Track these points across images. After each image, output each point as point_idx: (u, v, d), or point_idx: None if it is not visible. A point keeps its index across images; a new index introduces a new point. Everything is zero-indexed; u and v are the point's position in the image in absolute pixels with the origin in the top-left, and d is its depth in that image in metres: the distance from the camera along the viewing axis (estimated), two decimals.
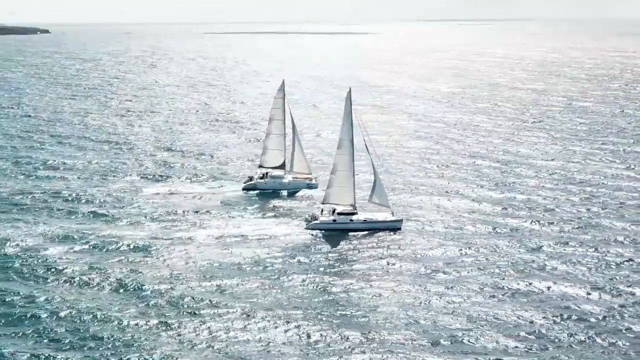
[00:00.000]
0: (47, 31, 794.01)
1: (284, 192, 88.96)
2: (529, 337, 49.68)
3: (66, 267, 62.16)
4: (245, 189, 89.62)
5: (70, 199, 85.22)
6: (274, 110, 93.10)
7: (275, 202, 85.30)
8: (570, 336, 49.80)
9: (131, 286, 58.52)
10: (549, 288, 58.13)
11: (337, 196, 76.49)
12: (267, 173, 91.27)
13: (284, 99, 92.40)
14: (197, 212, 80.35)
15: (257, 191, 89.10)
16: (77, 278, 59.99)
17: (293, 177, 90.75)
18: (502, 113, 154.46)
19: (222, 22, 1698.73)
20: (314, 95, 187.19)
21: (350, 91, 78.42)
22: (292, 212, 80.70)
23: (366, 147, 77.43)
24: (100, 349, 47.86)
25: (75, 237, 70.60)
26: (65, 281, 59.62)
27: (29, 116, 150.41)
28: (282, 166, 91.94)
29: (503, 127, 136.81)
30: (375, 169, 77.49)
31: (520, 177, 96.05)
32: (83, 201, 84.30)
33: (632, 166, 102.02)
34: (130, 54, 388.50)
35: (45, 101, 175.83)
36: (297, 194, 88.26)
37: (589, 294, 56.98)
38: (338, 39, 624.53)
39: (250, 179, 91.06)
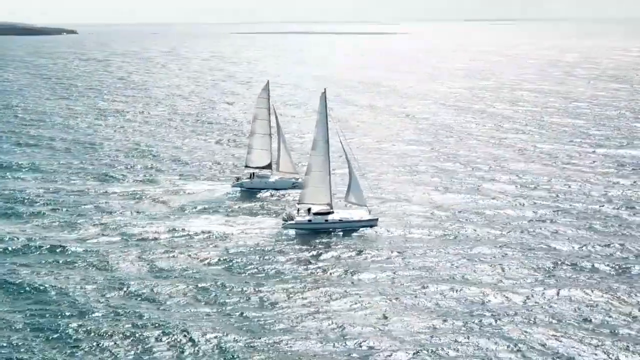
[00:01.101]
0: (74, 32, 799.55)
1: (270, 192, 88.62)
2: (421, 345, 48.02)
3: None
4: (233, 187, 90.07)
5: (23, 200, 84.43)
6: (257, 109, 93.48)
7: (258, 201, 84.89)
8: (455, 341, 48.26)
9: (37, 289, 57.26)
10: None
11: (312, 196, 76.72)
12: (254, 173, 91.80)
13: (268, 99, 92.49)
14: (171, 211, 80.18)
15: (244, 190, 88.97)
16: None
17: (279, 177, 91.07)
18: (495, 115, 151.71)
19: (251, 22, 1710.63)
20: (313, 96, 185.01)
21: (325, 92, 78.25)
22: (271, 212, 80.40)
23: (342, 147, 78.24)
24: None
25: (8, 238, 69.49)
26: None
27: (16, 116, 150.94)
28: (268, 166, 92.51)
29: (492, 129, 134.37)
30: (351, 169, 77.18)
31: (493, 181, 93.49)
32: (36, 202, 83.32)
33: (607, 172, 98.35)
34: (146, 54, 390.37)
35: (37, 102, 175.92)
36: (282, 194, 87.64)
37: (502, 299, 55.37)
38: (360, 39, 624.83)
39: (238, 179, 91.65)
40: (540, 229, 72.75)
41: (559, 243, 68.16)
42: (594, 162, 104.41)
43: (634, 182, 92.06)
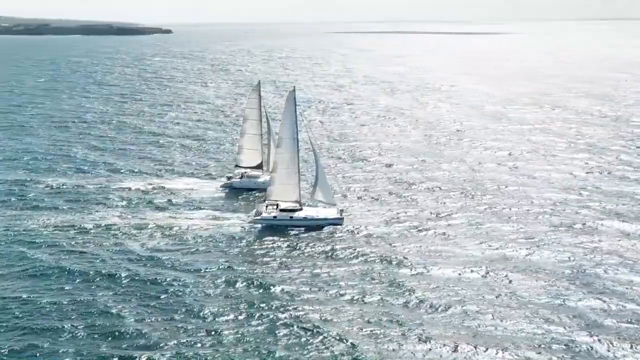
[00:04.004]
0: (169, 31, 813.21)
1: (258, 191, 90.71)
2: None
3: None
4: (223, 187, 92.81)
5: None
6: (247, 110, 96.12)
7: (242, 199, 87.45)
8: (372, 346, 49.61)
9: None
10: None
11: (279, 193, 79.82)
12: (244, 173, 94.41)
13: (259, 99, 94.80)
14: (155, 207, 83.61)
15: (233, 190, 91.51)
16: None
17: (270, 177, 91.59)
18: (509, 120, 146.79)
19: (346, 21, 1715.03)
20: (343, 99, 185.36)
21: (294, 90, 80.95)
22: (245, 208, 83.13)
23: (311, 144, 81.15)
24: None
25: None
26: None
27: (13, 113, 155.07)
28: (259, 166, 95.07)
29: (492, 135, 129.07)
30: (319, 167, 79.35)
31: (471, 191, 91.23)
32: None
33: (588, 189, 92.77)
34: (206, 55, 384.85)
35: (40, 101, 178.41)
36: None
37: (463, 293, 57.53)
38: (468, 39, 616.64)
39: (229, 178, 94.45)
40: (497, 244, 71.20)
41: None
42: (581, 175, 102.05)
43: None
